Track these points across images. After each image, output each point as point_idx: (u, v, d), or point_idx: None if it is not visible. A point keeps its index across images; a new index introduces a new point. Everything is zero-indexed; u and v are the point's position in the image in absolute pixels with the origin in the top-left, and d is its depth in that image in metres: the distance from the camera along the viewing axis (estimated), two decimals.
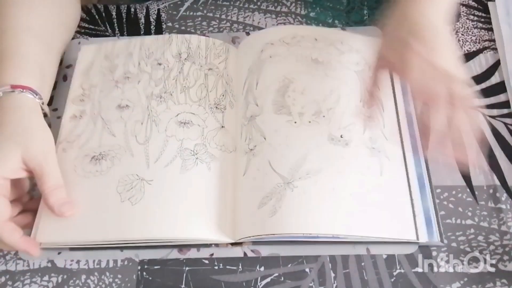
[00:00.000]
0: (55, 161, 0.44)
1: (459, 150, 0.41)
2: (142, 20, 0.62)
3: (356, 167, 0.46)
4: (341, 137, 0.48)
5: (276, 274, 0.45)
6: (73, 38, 0.60)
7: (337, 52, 0.54)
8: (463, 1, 0.61)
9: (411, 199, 0.46)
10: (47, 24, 0.52)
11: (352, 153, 0.47)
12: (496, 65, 0.56)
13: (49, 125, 0.47)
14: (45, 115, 0.47)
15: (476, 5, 0.61)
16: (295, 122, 0.49)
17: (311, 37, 0.55)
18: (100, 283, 0.45)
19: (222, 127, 0.50)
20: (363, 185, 0.45)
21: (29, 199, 0.47)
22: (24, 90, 0.45)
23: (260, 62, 0.54)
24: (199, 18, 0.62)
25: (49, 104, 0.51)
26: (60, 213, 0.43)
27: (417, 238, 0.44)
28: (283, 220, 0.43)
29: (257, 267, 0.45)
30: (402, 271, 0.44)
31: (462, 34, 0.58)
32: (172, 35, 0.57)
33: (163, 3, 0.64)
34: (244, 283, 0.44)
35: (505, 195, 0.48)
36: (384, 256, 0.45)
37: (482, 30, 0.59)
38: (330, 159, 0.46)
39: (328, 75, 0.52)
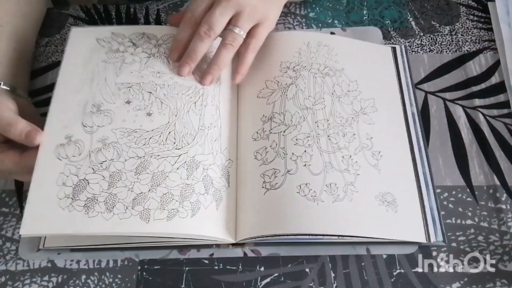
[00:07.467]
0: (4, 108, 0.45)
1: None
2: (142, 20, 0.62)
3: (362, 168, 0.46)
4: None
5: (276, 274, 0.45)
6: None
7: None
8: (463, 1, 0.61)
9: (422, 200, 0.45)
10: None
11: (358, 154, 0.47)
12: (496, 65, 0.56)
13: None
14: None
15: (476, 5, 0.61)
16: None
17: None
18: (100, 283, 0.45)
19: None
20: (369, 185, 0.45)
21: None
22: None
23: None
24: None
25: None
26: (29, 143, 0.43)
27: (429, 240, 0.44)
28: (287, 221, 0.43)
29: (257, 267, 0.45)
30: (402, 271, 0.44)
31: (462, 34, 0.58)
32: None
33: (162, 3, 0.63)
34: (244, 283, 0.44)
35: (505, 195, 0.48)
36: (384, 256, 0.45)
37: (482, 30, 0.59)
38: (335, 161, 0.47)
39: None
